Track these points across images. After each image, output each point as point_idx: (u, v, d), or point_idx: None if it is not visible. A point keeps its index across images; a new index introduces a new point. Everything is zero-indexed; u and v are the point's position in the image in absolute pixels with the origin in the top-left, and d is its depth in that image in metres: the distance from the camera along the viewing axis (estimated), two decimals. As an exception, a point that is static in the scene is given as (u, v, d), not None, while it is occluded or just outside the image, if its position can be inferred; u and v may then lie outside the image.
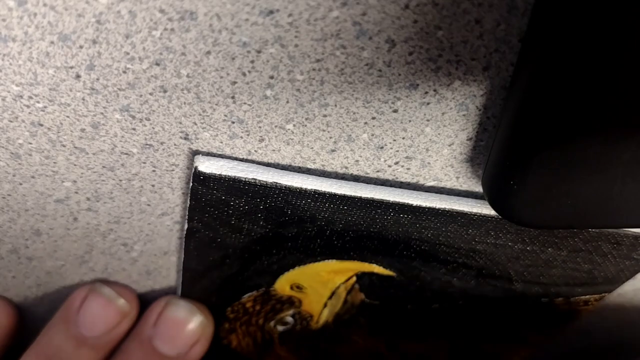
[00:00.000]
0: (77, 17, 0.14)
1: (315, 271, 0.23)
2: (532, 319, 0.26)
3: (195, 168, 0.18)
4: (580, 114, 0.13)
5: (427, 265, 0.22)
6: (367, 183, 0.19)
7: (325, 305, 0.25)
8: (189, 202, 0.19)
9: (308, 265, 0.23)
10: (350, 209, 0.19)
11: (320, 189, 0.19)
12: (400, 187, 0.19)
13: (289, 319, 0.26)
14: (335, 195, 0.19)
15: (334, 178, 0.19)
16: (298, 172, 0.19)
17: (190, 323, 0.24)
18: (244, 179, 0.18)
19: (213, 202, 0.19)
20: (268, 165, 0.18)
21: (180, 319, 0.24)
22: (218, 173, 0.18)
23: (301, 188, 0.19)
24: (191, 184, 0.18)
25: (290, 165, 0.19)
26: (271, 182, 0.18)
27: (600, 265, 0.22)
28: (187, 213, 0.20)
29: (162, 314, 0.24)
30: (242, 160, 0.18)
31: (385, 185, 0.19)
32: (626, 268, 0.22)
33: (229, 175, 0.18)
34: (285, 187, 0.18)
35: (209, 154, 0.18)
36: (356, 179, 0.19)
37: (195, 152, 0.18)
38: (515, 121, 0.15)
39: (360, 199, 0.19)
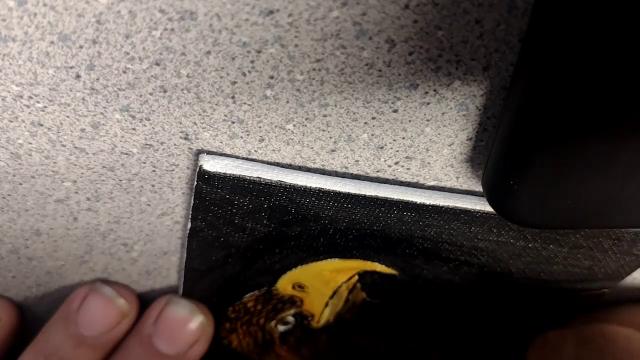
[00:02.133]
0: (77, 17, 0.14)
1: (317, 270, 0.23)
2: (532, 316, 0.26)
3: (200, 167, 0.18)
4: (580, 114, 0.13)
5: (430, 263, 0.22)
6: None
7: (326, 304, 0.25)
8: (192, 200, 0.19)
9: (310, 264, 0.23)
10: (354, 207, 0.19)
11: (324, 187, 0.19)
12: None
13: (290, 319, 0.26)
14: (339, 193, 0.19)
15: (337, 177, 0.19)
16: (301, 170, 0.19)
17: (190, 322, 0.24)
18: (248, 178, 0.18)
19: (217, 201, 0.19)
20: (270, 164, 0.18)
21: (181, 318, 0.24)
22: (222, 172, 0.18)
23: (305, 186, 0.19)
24: (195, 182, 0.18)
25: (290, 165, 0.19)
26: (276, 181, 0.18)
27: (600, 261, 0.22)
28: (190, 212, 0.20)
29: (163, 312, 0.24)
30: (246, 159, 0.18)
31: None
32: (626, 264, 0.23)
33: (233, 174, 0.18)
34: (289, 185, 0.18)
35: (213, 153, 0.18)
36: (357, 179, 0.19)
37: (197, 152, 0.18)
38: (515, 121, 0.15)
39: (364, 196, 0.19)
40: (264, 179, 0.18)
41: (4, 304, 0.25)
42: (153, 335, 0.23)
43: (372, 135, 0.17)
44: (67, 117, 0.17)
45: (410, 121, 0.17)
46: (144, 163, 0.19)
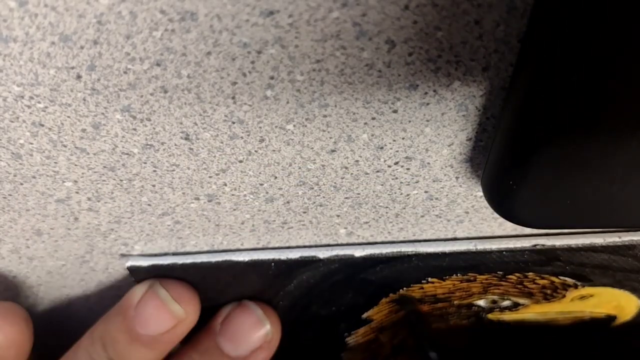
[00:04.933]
0: (78, 18, 0.14)
1: None
2: None
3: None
4: (579, 114, 0.13)
5: None
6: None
7: None
8: None
9: None
10: None
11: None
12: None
13: None
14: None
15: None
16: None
17: (255, 328, 0.25)
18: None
19: None
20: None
21: (247, 322, 0.25)
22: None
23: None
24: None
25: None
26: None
27: None
28: None
29: (231, 313, 0.25)
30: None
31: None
32: None
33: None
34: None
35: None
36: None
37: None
38: (515, 121, 0.15)
39: None
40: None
41: (20, 328, 0.24)
42: (219, 334, 0.25)
43: (372, 135, 0.17)
44: (68, 117, 0.17)
45: (410, 121, 0.17)
46: (145, 163, 0.19)
